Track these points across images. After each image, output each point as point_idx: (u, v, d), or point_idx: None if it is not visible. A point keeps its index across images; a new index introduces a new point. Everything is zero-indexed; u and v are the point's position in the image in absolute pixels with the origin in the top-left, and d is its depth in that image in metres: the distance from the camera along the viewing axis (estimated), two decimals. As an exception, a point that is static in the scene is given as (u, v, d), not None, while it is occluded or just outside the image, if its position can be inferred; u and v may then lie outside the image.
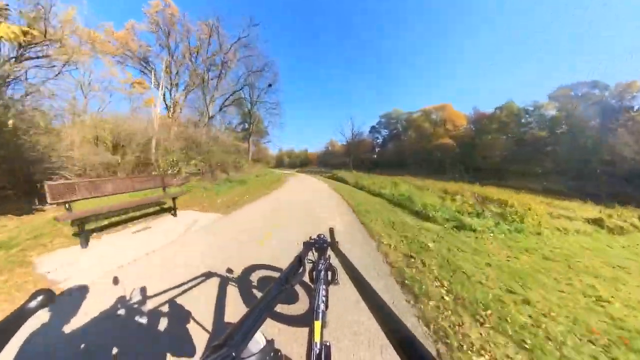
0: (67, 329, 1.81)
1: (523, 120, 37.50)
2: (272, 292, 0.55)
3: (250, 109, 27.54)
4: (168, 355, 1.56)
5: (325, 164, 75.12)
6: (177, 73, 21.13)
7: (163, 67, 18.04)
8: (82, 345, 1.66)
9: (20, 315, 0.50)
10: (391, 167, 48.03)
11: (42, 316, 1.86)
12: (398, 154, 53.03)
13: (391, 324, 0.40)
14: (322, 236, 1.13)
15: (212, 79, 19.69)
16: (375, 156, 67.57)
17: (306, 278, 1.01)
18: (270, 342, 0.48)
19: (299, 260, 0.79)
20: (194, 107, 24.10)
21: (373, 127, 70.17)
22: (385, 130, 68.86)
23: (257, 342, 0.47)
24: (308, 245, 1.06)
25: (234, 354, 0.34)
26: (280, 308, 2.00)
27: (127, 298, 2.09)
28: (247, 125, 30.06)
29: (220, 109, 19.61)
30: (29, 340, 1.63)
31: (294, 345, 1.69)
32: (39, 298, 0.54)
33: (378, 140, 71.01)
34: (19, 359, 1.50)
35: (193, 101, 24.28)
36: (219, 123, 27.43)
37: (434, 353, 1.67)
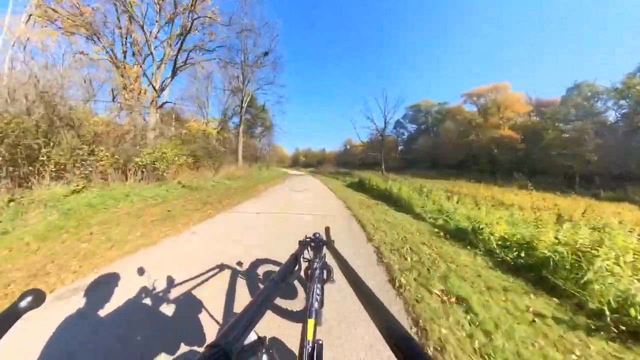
0: (99, 314, 1.88)
1: (607, 104, 27.49)
2: (267, 291, 0.54)
3: (242, 84, 20.75)
4: (181, 344, 1.56)
5: (344, 163, 68.23)
6: (126, 35, 14.71)
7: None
8: (113, 331, 1.76)
9: (9, 317, 0.48)
10: (421, 167, 39.46)
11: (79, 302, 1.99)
12: (429, 151, 44.29)
13: (387, 322, 0.39)
14: (317, 235, 1.11)
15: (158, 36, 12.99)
16: (397, 155, 58.69)
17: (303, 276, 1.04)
18: (264, 341, 0.50)
19: (295, 259, 0.81)
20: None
21: (398, 122, 61.26)
22: (413, 125, 59.73)
23: (252, 340, 0.49)
24: (304, 244, 1.05)
25: (229, 352, 0.33)
26: (282, 303, 2.02)
27: (150, 288, 2.18)
28: (249, 116, 23.47)
29: (174, 74, 12.79)
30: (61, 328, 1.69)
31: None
32: (29, 299, 0.53)
33: (403, 137, 61.97)
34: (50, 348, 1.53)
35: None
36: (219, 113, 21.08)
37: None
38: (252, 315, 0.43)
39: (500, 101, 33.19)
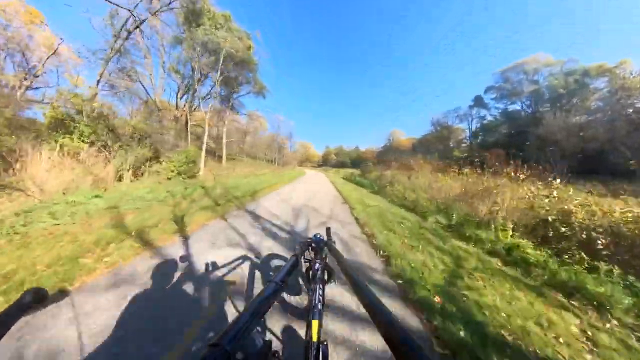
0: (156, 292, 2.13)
1: None
2: (267, 292, 0.53)
3: None
4: (208, 328, 1.74)
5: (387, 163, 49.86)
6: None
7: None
8: (155, 308, 1.91)
9: (10, 315, 0.48)
10: (536, 165, 20.14)
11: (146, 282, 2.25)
12: (571, 141, 24.13)
13: (386, 321, 0.40)
14: (318, 236, 1.09)
15: None
16: (462, 151, 38.97)
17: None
18: (266, 342, 0.49)
19: (296, 260, 0.78)
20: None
21: (477, 99, 40.80)
22: (501, 104, 38.30)
23: (254, 341, 0.48)
24: (304, 245, 1.03)
25: (229, 352, 0.34)
26: (289, 299, 2.16)
27: (190, 272, 2.45)
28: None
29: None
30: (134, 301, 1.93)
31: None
32: (29, 297, 0.52)
33: (485, 120, 40.96)
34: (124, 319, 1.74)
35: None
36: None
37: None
38: (253, 315, 0.43)
39: None
